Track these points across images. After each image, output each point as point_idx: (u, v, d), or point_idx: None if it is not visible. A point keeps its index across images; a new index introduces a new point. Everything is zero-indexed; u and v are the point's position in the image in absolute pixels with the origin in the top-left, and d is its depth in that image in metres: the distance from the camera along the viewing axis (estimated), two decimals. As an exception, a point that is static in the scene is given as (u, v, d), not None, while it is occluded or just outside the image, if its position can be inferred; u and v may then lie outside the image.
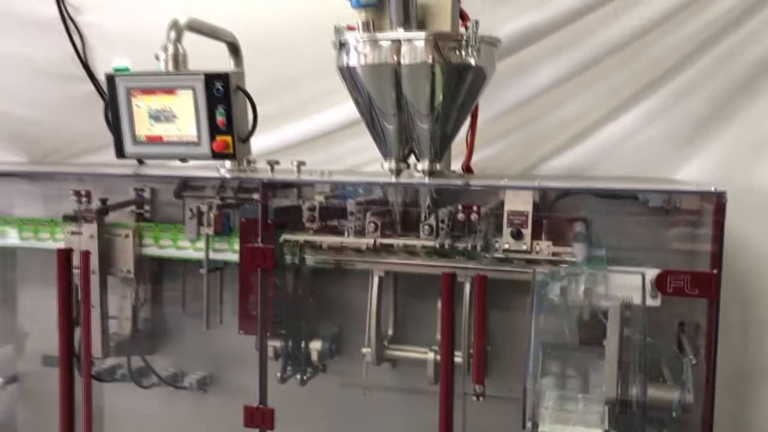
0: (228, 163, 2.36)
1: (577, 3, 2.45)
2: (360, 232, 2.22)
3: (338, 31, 2.11)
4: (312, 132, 2.73)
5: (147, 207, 2.67)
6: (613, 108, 2.55)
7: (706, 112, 2.48)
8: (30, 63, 2.95)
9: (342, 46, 2.11)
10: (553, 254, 2.05)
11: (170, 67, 2.20)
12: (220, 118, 2.18)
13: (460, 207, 2.08)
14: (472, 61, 2.05)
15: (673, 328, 2.10)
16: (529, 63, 2.58)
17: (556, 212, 2.16)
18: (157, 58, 2.22)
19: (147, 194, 2.67)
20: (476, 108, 2.46)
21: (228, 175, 2.35)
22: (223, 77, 2.15)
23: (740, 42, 2.41)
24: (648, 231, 2.12)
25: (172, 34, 2.21)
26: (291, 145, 2.72)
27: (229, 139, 2.19)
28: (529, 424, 1.86)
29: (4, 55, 2.96)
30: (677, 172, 2.51)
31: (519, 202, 2.07)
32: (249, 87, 2.32)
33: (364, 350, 2.28)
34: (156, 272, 2.64)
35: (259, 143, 2.55)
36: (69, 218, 2.49)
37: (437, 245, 2.15)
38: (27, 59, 2.95)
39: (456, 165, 2.53)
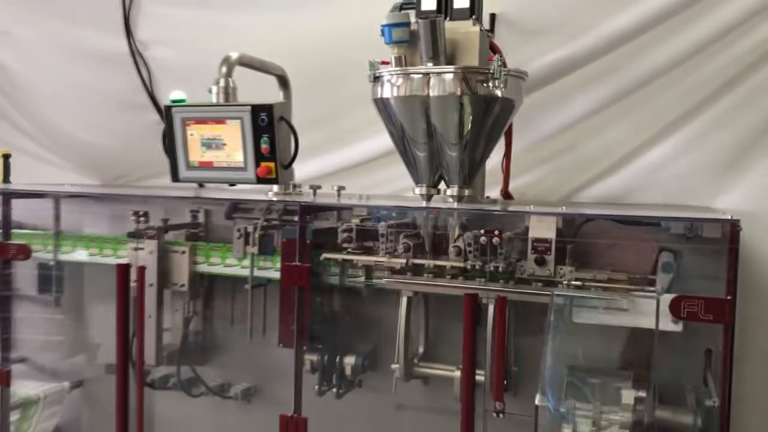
0: (275, 188, 2.53)
1: (604, 38, 2.52)
2: (392, 254, 2.34)
3: (373, 65, 2.26)
4: (353, 160, 2.88)
5: (201, 227, 2.87)
6: (650, 136, 2.59)
7: (744, 141, 2.49)
8: (102, 94, 3.24)
9: (376, 79, 2.25)
10: (576, 279, 2.10)
11: (221, 99, 2.40)
12: (264, 146, 2.36)
13: (482, 231, 2.17)
14: (499, 93, 2.15)
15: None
16: (566, 92, 2.66)
17: (581, 238, 2.22)
18: (209, 90, 2.43)
19: (201, 216, 2.87)
20: (510, 136, 2.56)
21: (274, 198, 2.52)
22: (268, 108, 2.33)
23: None
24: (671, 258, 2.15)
25: (224, 69, 2.42)
26: (332, 172, 2.89)
27: (272, 165, 2.37)
28: (545, 443, 1.93)
29: (78, 85, 3.26)
30: (715, 201, 2.52)
31: (543, 229, 2.15)
32: (296, 116, 2.50)
33: (394, 366, 2.39)
34: (206, 288, 2.83)
35: (307, 168, 2.74)
36: (133, 235, 2.70)
37: (465, 267, 2.25)
38: (99, 90, 3.24)
39: (495, 191, 2.63)
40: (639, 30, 2.52)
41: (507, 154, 2.59)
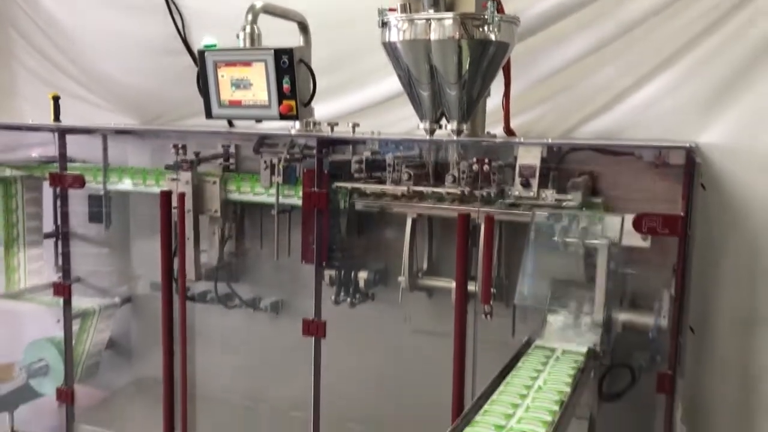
0: (297, 124, 2.84)
1: None
2: (397, 182, 2.66)
3: (381, 12, 2.52)
4: (368, 101, 3.15)
5: (232, 160, 3.20)
6: (640, 77, 2.79)
7: (726, 81, 2.66)
8: (140, 40, 3.52)
9: (384, 24, 2.52)
10: (556, 200, 2.40)
11: (247, 44, 2.71)
12: (286, 86, 2.66)
13: (474, 160, 2.47)
14: (493, 37, 2.41)
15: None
16: (562, 36, 2.88)
17: (564, 166, 2.50)
18: (237, 36, 2.73)
19: (232, 149, 3.20)
20: (509, 76, 2.82)
21: (294, 133, 2.83)
22: (288, 52, 2.63)
23: (758, 12, 2.59)
24: (642, 183, 2.43)
25: (249, 17, 2.72)
26: (350, 112, 3.14)
27: (293, 103, 2.68)
28: (525, 338, 2.27)
29: (118, 32, 3.55)
30: (699, 137, 2.71)
31: (529, 157, 2.44)
32: (315, 59, 2.77)
33: (400, 279, 2.74)
34: (238, 214, 3.18)
35: (329, 109, 3.01)
36: (170, 167, 3.05)
37: (463, 192, 2.56)
38: (137, 36, 3.53)
39: (499, 129, 2.87)
40: None
41: (506, 94, 2.84)
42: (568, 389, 1.83)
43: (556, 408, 1.70)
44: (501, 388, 1.83)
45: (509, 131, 2.89)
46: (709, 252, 2.70)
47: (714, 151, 2.68)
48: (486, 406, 1.72)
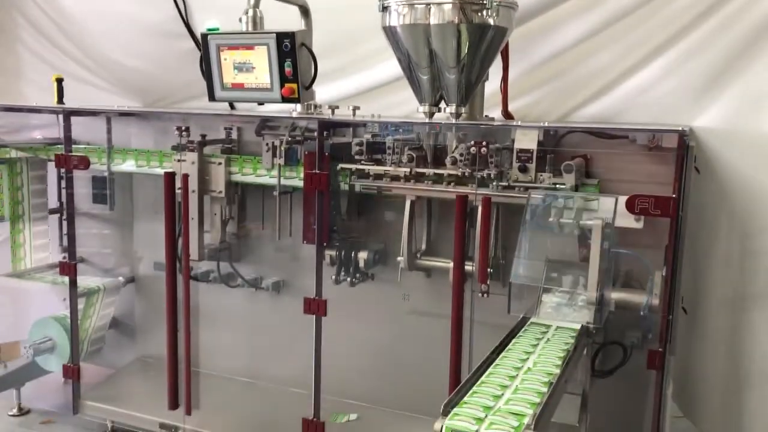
0: (299, 107, 2.89)
1: None
2: (397, 164, 2.71)
3: (382, -4, 2.57)
4: (369, 84, 3.19)
5: (234, 142, 3.26)
6: (636, 61, 2.83)
7: (719, 66, 2.70)
8: (142, 23, 3.56)
9: (385, 9, 2.56)
10: (553, 183, 2.46)
11: (250, 28, 2.75)
12: (287, 69, 2.71)
13: (472, 143, 2.52)
14: (491, 21, 2.46)
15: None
16: (560, 21, 2.91)
17: (560, 149, 2.56)
18: (240, 20, 2.78)
19: (234, 132, 3.25)
20: (507, 60, 2.87)
21: (295, 115, 2.88)
22: (290, 36, 2.68)
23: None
24: (636, 165, 2.49)
25: (252, 0, 2.75)
26: (350, 95, 3.18)
27: (294, 86, 2.73)
28: (521, 316, 2.34)
29: (121, 15, 3.58)
30: (695, 120, 2.75)
31: (526, 141, 2.50)
32: (316, 43, 2.81)
33: (399, 259, 2.81)
34: (240, 195, 3.24)
35: (332, 92, 3.05)
36: (176, 148, 3.09)
37: (463, 173, 2.61)
38: (140, 19, 3.56)
39: (498, 113, 2.91)
40: None
41: (504, 78, 2.90)
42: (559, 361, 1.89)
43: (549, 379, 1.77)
44: (497, 360, 1.89)
45: (507, 115, 2.94)
46: (702, 233, 2.76)
47: (709, 135, 2.72)
48: (483, 379, 1.78)
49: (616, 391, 2.53)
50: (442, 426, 1.53)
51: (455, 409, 1.60)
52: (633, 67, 2.85)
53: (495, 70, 2.84)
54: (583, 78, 2.94)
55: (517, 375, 1.83)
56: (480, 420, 1.55)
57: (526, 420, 1.55)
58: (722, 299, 2.79)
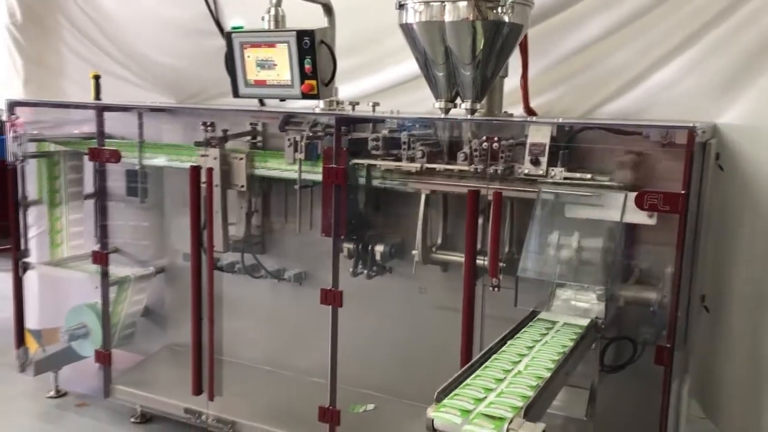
0: (321, 104, 2.96)
1: None
2: (412, 159, 2.76)
3: (399, -6, 2.61)
4: (389, 82, 3.24)
5: (259, 137, 3.34)
6: (658, 58, 2.82)
7: (742, 62, 2.67)
8: (174, 21, 3.69)
9: (402, 6, 2.61)
10: (565, 178, 2.47)
11: (272, 26, 2.83)
12: (307, 66, 2.78)
13: (484, 138, 2.55)
14: (506, 18, 2.48)
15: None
16: (582, 17, 2.92)
17: (574, 145, 2.56)
18: (262, 18, 2.86)
19: (259, 127, 3.34)
20: (526, 56, 2.89)
21: (318, 111, 2.95)
22: (310, 34, 2.75)
23: None
24: (649, 161, 2.48)
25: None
26: (372, 93, 3.22)
27: (314, 82, 2.80)
28: (529, 309, 2.36)
29: (154, 14, 3.72)
30: (718, 117, 2.73)
31: (539, 135, 2.50)
32: (341, 41, 2.87)
33: (414, 252, 2.85)
34: (263, 188, 3.33)
35: (354, 89, 3.11)
36: (199, 144, 3.20)
37: (476, 168, 2.64)
38: (172, 18, 3.70)
39: (520, 110, 2.94)
40: None
41: (524, 75, 2.92)
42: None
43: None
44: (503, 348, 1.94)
45: (529, 111, 2.96)
46: (726, 231, 2.74)
47: (733, 132, 2.70)
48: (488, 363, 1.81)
49: (628, 388, 2.53)
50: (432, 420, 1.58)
51: (444, 400, 1.66)
52: (656, 63, 2.84)
53: (517, 66, 2.86)
54: (606, 74, 2.94)
55: (512, 369, 1.88)
56: (467, 412, 1.60)
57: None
58: (745, 298, 2.76)
